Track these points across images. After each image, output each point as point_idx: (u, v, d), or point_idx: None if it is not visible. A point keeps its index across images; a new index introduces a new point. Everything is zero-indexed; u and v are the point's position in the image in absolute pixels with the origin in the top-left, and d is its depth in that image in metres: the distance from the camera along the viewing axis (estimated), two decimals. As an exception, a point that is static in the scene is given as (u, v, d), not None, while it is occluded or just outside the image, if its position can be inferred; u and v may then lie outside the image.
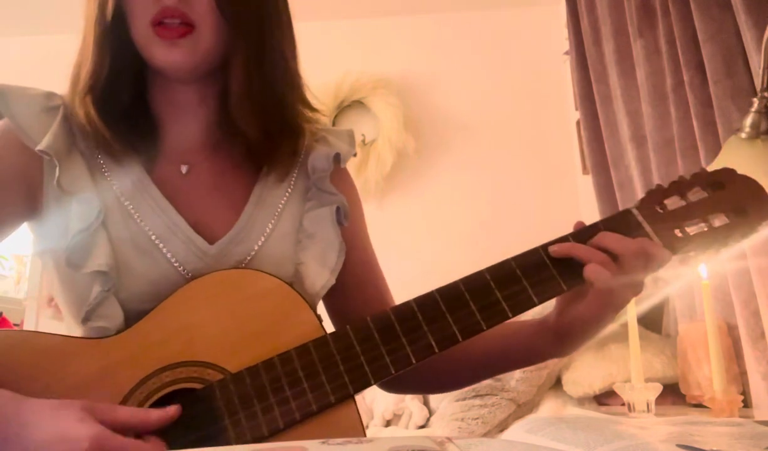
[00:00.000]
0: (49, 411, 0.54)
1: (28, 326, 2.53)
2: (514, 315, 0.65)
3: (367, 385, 0.62)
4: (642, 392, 1.37)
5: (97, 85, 0.69)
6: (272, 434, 0.60)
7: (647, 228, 0.69)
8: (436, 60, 2.86)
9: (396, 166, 2.72)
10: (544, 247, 0.68)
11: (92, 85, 0.69)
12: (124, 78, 0.71)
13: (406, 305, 0.66)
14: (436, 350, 0.63)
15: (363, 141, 2.78)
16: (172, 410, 0.59)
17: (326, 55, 2.83)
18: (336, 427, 0.61)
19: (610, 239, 0.67)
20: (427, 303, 0.66)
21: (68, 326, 0.71)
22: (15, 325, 2.93)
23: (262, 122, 0.73)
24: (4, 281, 3.44)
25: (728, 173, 0.73)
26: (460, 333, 0.64)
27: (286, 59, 0.75)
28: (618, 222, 0.70)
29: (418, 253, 2.53)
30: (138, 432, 0.57)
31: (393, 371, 0.62)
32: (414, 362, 0.63)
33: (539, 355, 0.75)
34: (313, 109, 0.79)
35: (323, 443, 0.35)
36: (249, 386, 0.61)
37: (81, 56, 0.71)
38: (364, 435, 0.61)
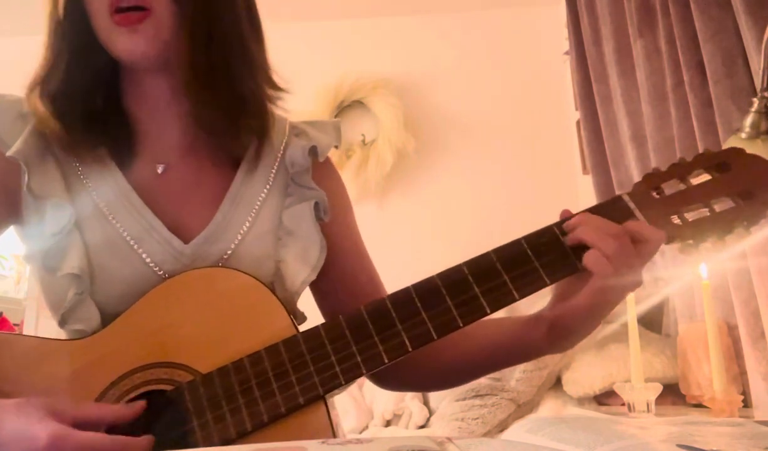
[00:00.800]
0: (11, 409, 0.54)
1: (28, 325, 2.53)
2: (492, 311, 0.62)
3: (337, 386, 0.60)
4: (642, 392, 1.37)
5: (50, 81, 0.69)
6: (240, 436, 0.59)
7: (638, 215, 0.64)
8: (436, 60, 2.86)
9: (396, 166, 2.72)
10: (526, 238, 0.64)
11: (43, 79, 0.69)
12: (86, 76, 0.70)
13: (380, 302, 0.63)
14: (410, 349, 0.61)
15: (363, 141, 2.78)
16: (137, 405, 0.59)
17: (326, 55, 2.83)
18: (304, 429, 0.59)
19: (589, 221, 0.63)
20: (401, 300, 0.63)
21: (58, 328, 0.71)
22: (15, 325, 2.93)
23: (216, 102, 0.71)
24: (4, 281, 3.43)
25: (735, 153, 0.66)
26: (435, 331, 0.61)
27: (242, 38, 0.73)
28: (607, 210, 0.65)
29: (418, 253, 2.52)
30: (105, 427, 0.57)
31: (364, 371, 0.61)
32: (386, 361, 0.61)
33: (535, 350, 0.72)
34: (279, 89, 0.77)
35: (323, 443, 0.35)
36: (218, 387, 0.60)
37: (40, 55, 0.71)
38: (334, 437, 0.60)
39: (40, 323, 2.51)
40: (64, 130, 0.68)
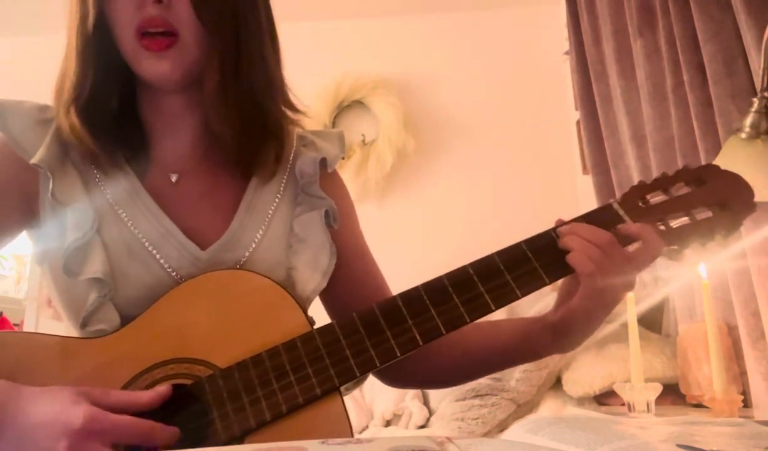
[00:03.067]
0: (43, 395, 0.56)
1: (28, 325, 2.53)
2: (497, 308, 0.67)
3: (353, 378, 0.64)
4: (642, 392, 1.37)
5: (81, 97, 0.70)
6: (259, 426, 0.61)
7: (628, 221, 0.70)
8: (436, 60, 2.86)
9: (396, 166, 2.72)
10: (526, 241, 0.70)
11: (76, 97, 0.70)
12: (109, 88, 0.71)
13: (390, 300, 0.67)
14: (420, 343, 0.65)
15: (363, 141, 2.78)
16: (163, 389, 0.61)
17: (326, 55, 2.83)
18: (322, 419, 0.62)
19: (582, 230, 0.68)
20: (411, 297, 0.67)
21: (67, 328, 0.72)
22: (15, 325, 2.93)
23: (239, 124, 0.73)
24: (4, 281, 3.44)
25: (712, 169, 0.73)
26: (444, 326, 0.65)
27: (266, 63, 0.75)
28: (599, 217, 0.71)
29: (419, 253, 2.53)
30: (132, 413, 0.59)
31: (378, 364, 0.64)
32: (398, 354, 0.64)
33: (541, 350, 0.76)
34: (297, 111, 0.79)
35: (323, 443, 0.35)
36: (237, 380, 0.63)
37: (64, 67, 0.72)
38: (350, 426, 0.63)
39: (40, 323, 2.51)
40: (93, 141, 0.70)
